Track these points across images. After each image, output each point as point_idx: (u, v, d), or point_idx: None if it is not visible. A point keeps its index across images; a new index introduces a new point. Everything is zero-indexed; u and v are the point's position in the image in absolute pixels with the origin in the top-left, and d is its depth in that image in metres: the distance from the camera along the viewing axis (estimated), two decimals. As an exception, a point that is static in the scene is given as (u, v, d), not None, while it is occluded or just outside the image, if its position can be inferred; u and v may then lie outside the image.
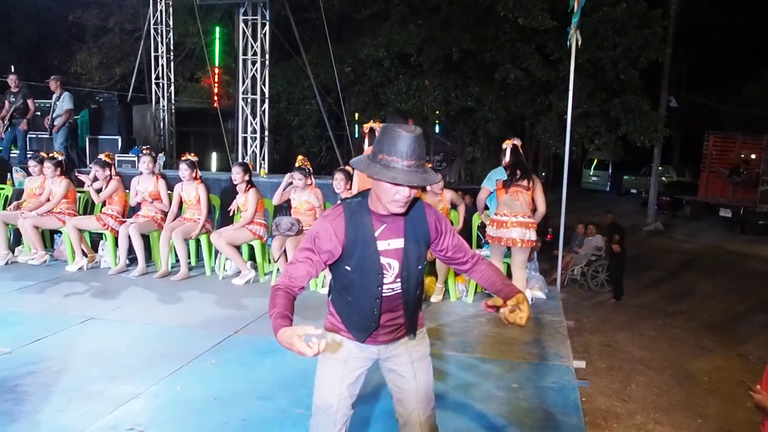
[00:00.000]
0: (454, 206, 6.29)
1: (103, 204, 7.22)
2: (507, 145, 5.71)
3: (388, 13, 16.36)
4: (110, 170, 7.22)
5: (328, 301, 2.51)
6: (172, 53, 13.32)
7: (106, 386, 3.91)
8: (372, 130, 5.66)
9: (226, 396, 3.83)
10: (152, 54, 12.95)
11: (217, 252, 6.96)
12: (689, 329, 8.35)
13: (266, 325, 2.15)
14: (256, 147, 11.68)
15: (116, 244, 6.96)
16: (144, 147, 8.53)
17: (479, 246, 6.66)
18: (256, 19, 11.35)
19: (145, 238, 7.00)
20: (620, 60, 14.57)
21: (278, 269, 6.48)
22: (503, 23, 14.54)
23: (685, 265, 12.98)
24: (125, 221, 7.03)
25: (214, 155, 16.13)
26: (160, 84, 12.98)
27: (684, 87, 25.08)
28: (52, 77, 10.49)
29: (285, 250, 6.24)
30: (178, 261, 6.88)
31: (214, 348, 4.67)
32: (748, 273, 12.32)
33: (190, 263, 7.03)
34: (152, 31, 12.85)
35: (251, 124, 11.68)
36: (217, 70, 17.24)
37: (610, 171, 28.03)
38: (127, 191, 7.24)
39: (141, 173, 7.11)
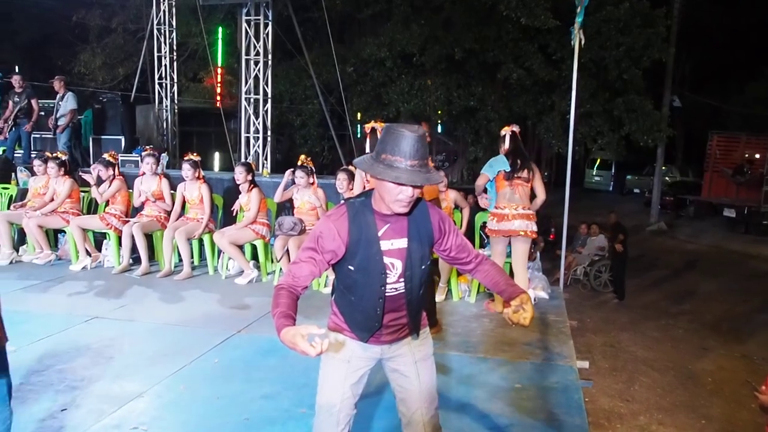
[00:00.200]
0: (457, 207, 6.28)
1: (107, 204, 7.24)
2: (506, 131, 5.65)
3: (390, 13, 16.37)
4: (114, 170, 7.23)
5: (332, 301, 2.51)
6: (175, 53, 13.32)
7: (110, 385, 3.92)
8: (373, 130, 5.65)
9: (229, 395, 3.84)
10: (155, 54, 12.96)
11: (220, 251, 6.97)
12: (692, 330, 8.34)
13: (269, 324, 2.15)
14: (258, 147, 11.69)
15: (120, 244, 6.97)
16: (147, 147, 8.54)
17: (482, 246, 6.65)
18: (259, 19, 11.36)
19: (149, 238, 7.01)
20: (623, 59, 14.54)
21: (281, 269, 6.48)
22: (506, 23, 14.53)
23: (688, 265, 12.95)
24: (129, 221, 7.05)
25: (216, 155, 16.13)
26: (163, 84, 12.99)
27: (687, 86, 25.03)
28: (55, 77, 10.52)
29: (288, 250, 6.25)
30: (181, 260, 6.90)
31: (217, 347, 4.68)
32: (751, 273, 12.29)
33: (193, 263, 7.04)
34: (155, 31, 12.86)
35: (254, 123, 11.69)
36: (219, 70, 17.24)
37: (613, 171, 28.00)
38: (131, 191, 7.26)
39: (144, 173, 7.12)
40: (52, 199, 7.26)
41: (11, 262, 7.12)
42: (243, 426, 3.48)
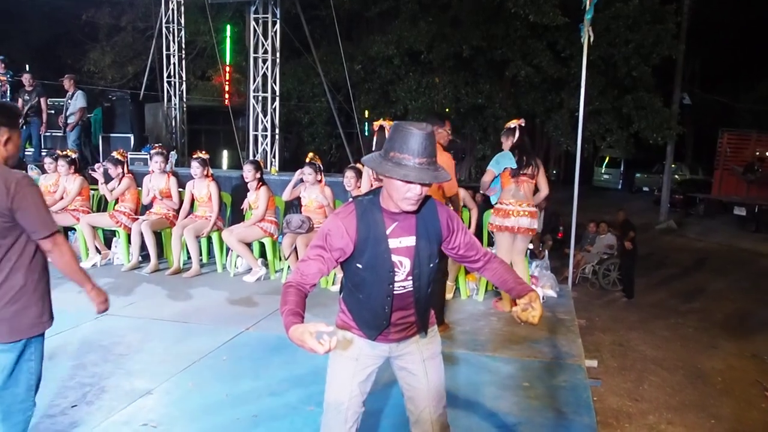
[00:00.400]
0: (464, 205, 6.27)
1: (116, 201, 7.27)
2: (515, 124, 5.61)
3: (398, 11, 16.34)
4: (123, 168, 7.26)
5: (340, 299, 2.51)
6: (183, 52, 13.35)
7: (120, 382, 3.94)
8: (381, 128, 5.65)
9: (237, 392, 3.85)
10: (164, 52, 12.99)
11: (228, 249, 7.00)
12: (702, 328, 8.29)
13: (277, 322, 2.16)
14: (266, 145, 11.71)
15: (129, 241, 7.01)
16: (155, 145, 8.57)
17: (490, 244, 6.64)
18: (267, 18, 11.37)
19: (158, 235, 7.04)
20: (632, 56, 14.45)
21: (289, 266, 6.50)
22: (514, 20, 14.47)
23: (698, 263, 12.89)
24: (138, 218, 7.08)
25: (225, 153, 16.16)
26: (172, 82, 13.02)
27: (697, 84, 24.88)
28: (65, 76, 10.58)
29: (296, 248, 6.26)
30: (189, 258, 6.92)
31: (225, 345, 4.70)
32: (762, 272, 12.21)
33: (201, 260, 7.07)
34: (164, 29, 12.89)
35: (262, 121, 11.71)
36: (228, 68, 17.27)
37: (622, 169, 27.87)
38: (140, 189, 7.29)
39: (153, 171, 7.15)
40: (62, 197, 7.30)
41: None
42: (251, 423, 3.49)
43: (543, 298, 6.06)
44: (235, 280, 6.74)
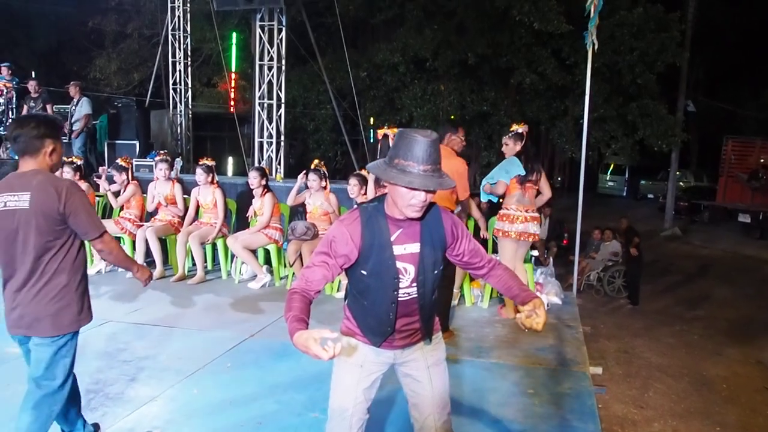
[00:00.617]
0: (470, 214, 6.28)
1: (121, 208, 7.29)
2: (522, 128, 5.60)
3: (403, 18, 16.39)
4: (127, 174, 7.28)
5: (344, 306, 2.52)
6: (189, 59, 13.42)
7: (124, 388, 3.95)
8: (385, 136, 5.66)
9: (241, 399, 3.85)
10: (170, 59, 13.06)
11: (233, 256, 7.00)
12: (707, 335, 8.26)
13: (282, 328, 2.17)
14: (272, 152, 11.74)
15: (134, 248, 7.02)
16: (160, 152, 8.60)
17: (495, 251, 6.64)
18: (273, 25, 11.41)
19: (163, 242, 7.06)
20: (637, 64, 14.47)
21: (294, 273, 6.50)
22: (519, 28, 14.51)
23: (702, 270, 12.85)
24: (143, 225, 7.09)
25: (230, 160, 16.21)
26: (178, 89, 13.08)
27: (702, 91, 24.86)
28: (71, 83, 10.64)
29: (300, 254, 6.27)
30: (194, 265, 6.94)
31: (230, 351, 4.70)
32: (766, 278, 12.17)
33: (206, 267, 7.08)
34: (170, 36, 12.96)
35: (267, 128, 11.74)
36: (233, 76, 17.35)
37: (626, 176, 27.82)
38: (145, 195, 7.31)
39: (157, 178, 7.17)
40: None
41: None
42: (256, 430, 3.50)
43: (548, 305, 6.06)
44: (239, 287, 6.75)
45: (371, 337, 2.41)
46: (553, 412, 3.80)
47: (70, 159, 7.54)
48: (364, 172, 6.33)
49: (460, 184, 4.81)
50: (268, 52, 11.50)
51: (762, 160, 18.87)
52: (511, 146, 5.59)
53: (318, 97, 17.75)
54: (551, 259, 8.33)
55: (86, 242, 2.96)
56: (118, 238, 7.29)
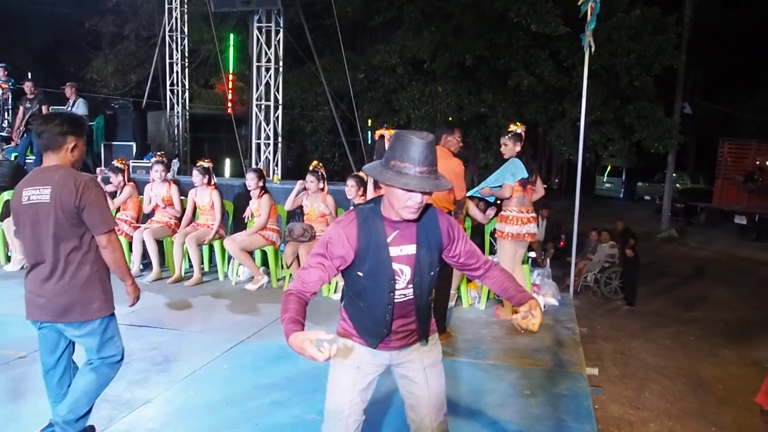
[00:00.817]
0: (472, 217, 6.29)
1: (118, 210, 7.28)
2: (520, 129, 5.59)
3: (401, 20, 16.39)
4: (124, 176, 7.28)
5: (341, 307, 2.52)
6: (186, 60, 13.40)
7: (120, 391, 3.94)
8: (382, 137, 5.68)
9: (238, 401, 3.85)
10: (167, 61, 13.05)
11: (230, 257, 7.00)
12: (703, 337, 8.27)
13: (279, 330, 2.16)
14: (269, 153, 11.73)
15: (130, 250, 7.01)
16: (156, 153, 8.58)
17: (492, 252, 6.64)
18: (270, 26, 11.42)
19: (159, 244, 7.05)
20: (634, 66, 14.48)
21: (291, 275, 6.50)
22: (516, 30, 14.51)
23: (699, 272, 12.87)
24: (139, 227, 7.09)
25: (227, 161, 16.21)
26: (175, 90, 13.07)
27: (699, 93, 24.91)
28: (67, 84, 10.62)
29: (298, 256, 6.27)
30: (191, 266, 6.93)
31: (226, 353, 4.70)
32: (762, 280, 12.19)
33: (203, 269, 7.07)
34: (167, 38, 12.95)
35: (265, 130, 11.73)
36: (231, 77, 17.33)
37: (623, 178, 27.85)
38: (142, 197, 7.30)
39: (154, 180, 7.16)
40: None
41: (23, 268, 7.17)
42: (252, 431, 3.49)
43: (545, 307, 6.06)
44: (236, 289, 6.75)
45: (367, 338, 2.42)
46: (549, 413, 3.81)
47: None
48: (362, 174, 6.33)
49: (457, 184, 4.83)
50: (266, 54, 11.50)
51: (758, 162, 18.92)
52: (510, 147, 5.59)
53: (316, 99, 17.74)
54: (548, 261, 8.34)
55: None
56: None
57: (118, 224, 7.08)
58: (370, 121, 18.03)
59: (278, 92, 11.74)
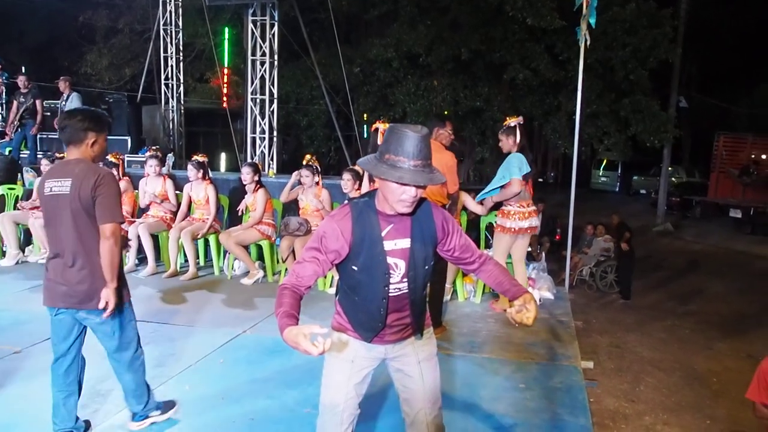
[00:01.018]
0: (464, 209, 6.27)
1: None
2: (515, 122, 5.56)
3: (396, 14, 16.35)
4: (118, 171, 7.25)
5: (336, 301, 2.52)
6: (181, 54, 13.38)
7: (115, 385, 3.92)
8: (376, 130, 5.66)
9: (233, 395, 3.85)
10: (162, 55, 13.02)
11: (225, 252, 6.99)
12: (699, 330, 8.30)
13: (274, 324, 2.16)
14: (264, 147, 11.72)
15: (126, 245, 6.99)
16: (150, 147, 8.56)
17: (487, 246, 6.64)
18: (265, 20, 11.38)
19: (155, 238, 7.04)
20: (630, 60, 14.48)
21: (286, 269, 6.50)
22: (512, 23, 14.49)
23: (694, 265, 12.90)
24: (134, 221, 7.07)
25: (223, 155, 16.18)
26: (170, 84, 13.03)
27: (694, 87, 24.95)
28: (61, 78, 10.58)
29: (293, 250, 6.27)
30: (187, 261, 6.92)
31: (222, 347, 4.70)
32: (758, 273, 12.23)
33: (198, 263, 7.07)
34: (162, 31, 12.91)
35: (260, 124, 11.71)
36: (226, 71, 17.31)
37: (619, 171, 27.88)
38: (137, 191, 7.28)
39: (148, 174, 7.14)
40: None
41: (17, 263, 7.16)
42: (248, 426, 3.50)
43: (540, 300, 6.07)
44: (232, 283, 6.74)
45: (362, 332, 2.42)
46: (544, 407, 3.82)
47: (61, 155, 7.48)
48: (358, 168, 6.32)
49: (450, 177, 4.82)
50: (261, 48, 11.47)
51: (753, 156, 18.94)
52: (505, 141, 5.58)
53: (311, 93, 17.70)
54: (543, 255, 8.33)
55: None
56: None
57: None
58: (365, 115, 18.02)
59: (273, 86, 11.71)
